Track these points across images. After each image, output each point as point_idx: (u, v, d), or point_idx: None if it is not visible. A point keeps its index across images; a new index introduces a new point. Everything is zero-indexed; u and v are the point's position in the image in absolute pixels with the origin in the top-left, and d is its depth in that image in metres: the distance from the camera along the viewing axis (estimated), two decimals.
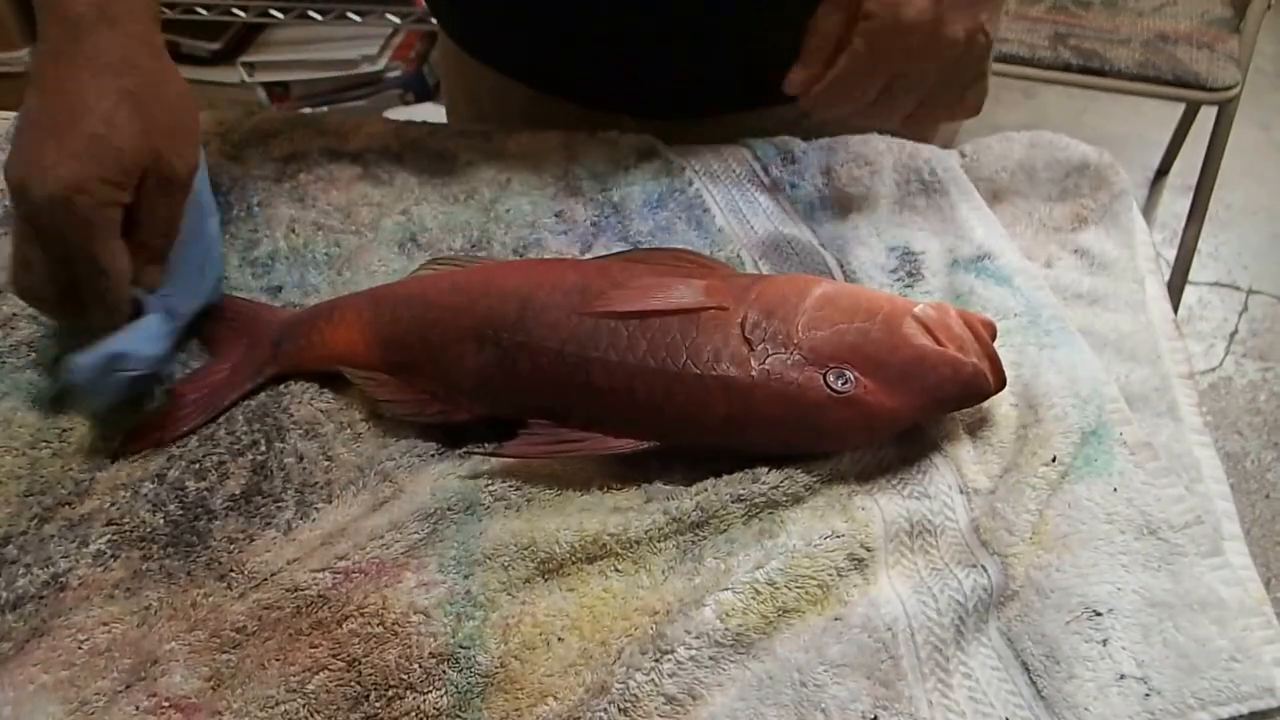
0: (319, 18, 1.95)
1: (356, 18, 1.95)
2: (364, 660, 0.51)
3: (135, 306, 0.63)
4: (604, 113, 0.86)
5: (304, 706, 0.50)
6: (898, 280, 0.70)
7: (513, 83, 0.89)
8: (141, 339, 0.62)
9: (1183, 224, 1.98)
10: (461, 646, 0.52)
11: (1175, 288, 1.91)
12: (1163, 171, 2.48)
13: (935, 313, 0.58)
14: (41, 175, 0.56)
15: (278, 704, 0.50)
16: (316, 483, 0.60)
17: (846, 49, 0.65)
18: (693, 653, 0.50)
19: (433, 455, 0.61)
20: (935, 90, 0.69)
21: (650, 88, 0.84)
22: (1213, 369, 2.07)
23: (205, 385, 0.66)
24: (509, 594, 0.54)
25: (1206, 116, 1.95)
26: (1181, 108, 2.32)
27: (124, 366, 0.61)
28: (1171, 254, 1.98)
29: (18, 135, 0.58)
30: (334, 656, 0.52)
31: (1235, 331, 2.15)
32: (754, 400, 0.57)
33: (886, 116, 0.70)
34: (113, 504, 0.59)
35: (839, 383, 0.56)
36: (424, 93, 2.13)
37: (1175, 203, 2.37)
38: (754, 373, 0.57)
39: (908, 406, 0.57)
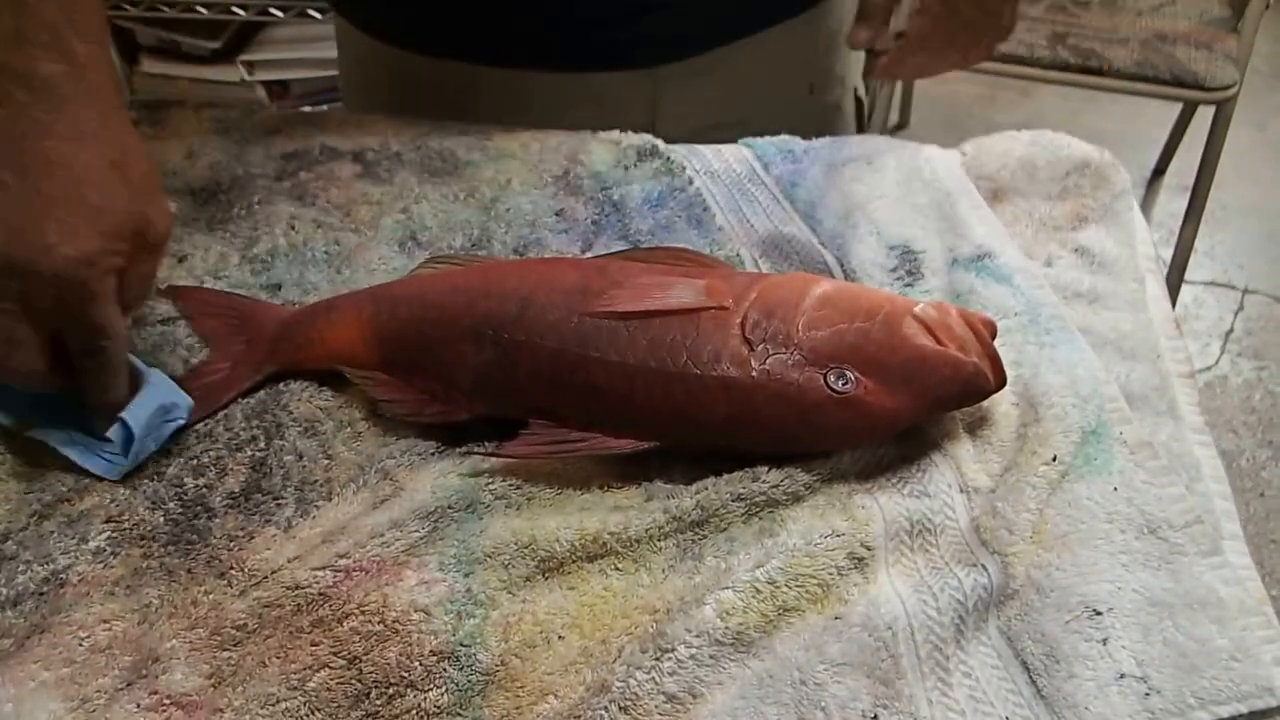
0: (319, 16, 1.94)
1: None
2: (365, 658, 0.51)
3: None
4: (465, 64, 0.86)
5: (305, 704, 0.50)
6: (898, 279, 0.70)
7: (394, 50, 0.88)
8: (171, 390, 0.63)
9: (1179, 223, 1.98)
10: (462, 644, 0.52)
11: (1171, 287, 1.92)
12: (1159, 171, 2.49)
13: (935, 312, 0.58)
14: (47, 252, 0.55)
15: (279, 701, 0.50)
16: (316, 480, 0.60)
17: (919, 9, 0.72)
18: (693, 651, 0.50)
19: (433, 454, 0.61)
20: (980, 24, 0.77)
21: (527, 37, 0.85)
22: (1208, 368, 2.07)
23: (204, 382, 0.65)
24: (509, 592, 0.54)
25: (1203, 116, 1.96)
26: (1178, 107, 2.33)
27: (175, 415, 0.62)
28: (1168, 253, 1.99)
29: None
30: (335, 654, 0.52)
31: (1230, 330, 2.16)
32: (754, 400, 0.57)
33: (951, 64, 0.78)
34: (112, 501, 0.59)
35: (839, 383, 0.56)
36: None
37: (1171, 202, 2.37)
38: (754, 373, 0.57)
39: (908, 406, 0.57)
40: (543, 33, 0.84)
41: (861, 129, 1.01)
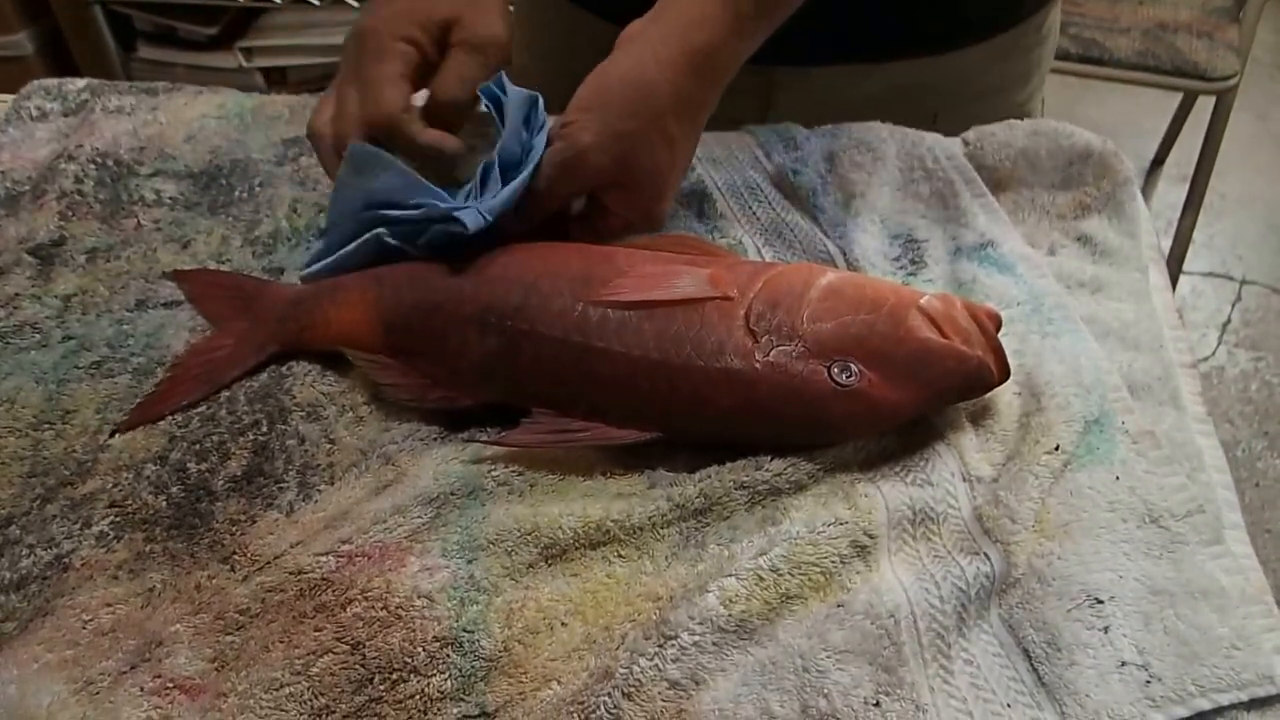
0: (316, 3, 1.94)
1: (353, 2, 1.94)
2: (368, 644, 0.51)
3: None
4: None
5: (308, 689, 0.50)
6: (900, 268, 0.70)
7: (585, 14, 0.88)
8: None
9: (1178, 213, 1.99)
10: (465, 631, 0.52)
11: (1169, 277, 1.92)
12: (1158, 161, 2.49)
13: (940, 305, 0.58)
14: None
15: (282, 686, 0.50)
16: (318, 464, 0.60)
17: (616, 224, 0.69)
18: (696, 638, 0.50)
19: (435, 439, 0.61)
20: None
21: None
22: (1205, 358, 2.08)
23: (207, 360, 0.65)
24: (512, 579, 0.54)
25: (1203, 106, 1.96)
26: (1177, 97, 2.32)
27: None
28: (1166, 243, 1.99)
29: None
30: (338, 639, 0.52)
31: (1228, 321, 2.16)
32: (758, 393, 0.57)
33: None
34: (115, 485, 0.59)
35: (843, 375, 0.56)
36: None
37: (1170, 192, 2.37)
38: (758, 365, 0.57)
39: (911, 399, 0.57)
40: None
41: None
